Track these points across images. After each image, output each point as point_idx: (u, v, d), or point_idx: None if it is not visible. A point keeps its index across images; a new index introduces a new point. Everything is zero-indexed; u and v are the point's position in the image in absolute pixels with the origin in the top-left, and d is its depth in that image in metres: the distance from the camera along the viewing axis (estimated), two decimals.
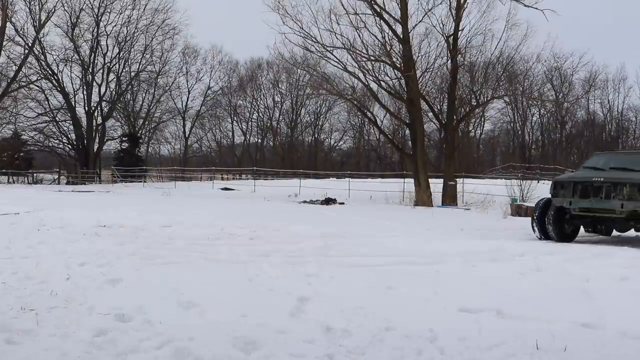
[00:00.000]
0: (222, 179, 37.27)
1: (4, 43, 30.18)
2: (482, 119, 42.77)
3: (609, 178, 8.68)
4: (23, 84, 33.43)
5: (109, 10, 34.50)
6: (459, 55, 18.05)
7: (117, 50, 36.18)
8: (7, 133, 37.14)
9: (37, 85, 34.46)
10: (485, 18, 18.06)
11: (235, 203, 16.02)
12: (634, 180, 8.31)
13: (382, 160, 49.78)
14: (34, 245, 6.15)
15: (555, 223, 9.00)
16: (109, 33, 35.07)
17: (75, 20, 33.69)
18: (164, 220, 9.03)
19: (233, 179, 38.26)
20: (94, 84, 35.94)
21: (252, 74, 48.84)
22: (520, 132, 46.84)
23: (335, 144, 53.30)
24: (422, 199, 16.88)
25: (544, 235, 9.12)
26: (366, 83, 18.64)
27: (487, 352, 3.19)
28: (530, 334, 3.43)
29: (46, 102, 35.72)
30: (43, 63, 33.71)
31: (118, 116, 40.62)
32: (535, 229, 9.32)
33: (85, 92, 35.81)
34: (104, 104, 37.42)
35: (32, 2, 31.90)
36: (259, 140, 51.87)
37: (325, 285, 4.67)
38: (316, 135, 50.72)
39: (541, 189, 17.60)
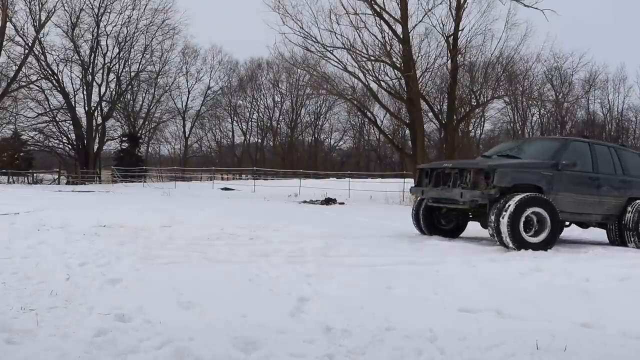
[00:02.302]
0: (222, 179, 37.30)
1: (4, 43, 30.17)
2: (482, 119, 42.82)
3: (457, 164, 8.02)
4: (23, 84, 33.43)
5: (109, 11, 34.52)
6: (459, 55, 18.07)
7: (117, 50, 36.21)
8: (7, 133, 37.17)
9: (37, 85, 34.47)
10: (485, 18, 18.13)
11: (235, 203, 16.03)
12: (479, 166, 7.52)
13: (382, 160, 49.78)
14: (34, 245, 6.14)
15: (424, 215, 8.38)
16: (109, 33, 35.10)
17: (75, 20, 33.69)
18: (164, 220, 9.03)
19: (233, 179, 38.27)
20: (94, 84, 35.96)
21: (252, 74, 48.92)
22: (520, 132, 46.86)
23: (335, 144, 53.35)
24: None
25: (420, 230, 8.54)
26: (366, 83, 18.67)
27: (487, 352, 3.19)
28: (530, 334, 3.43)
29: (46, 102, 35.75)
30: (43, 63, 33.72)
31: (118, 116, 40.65)
32: (414, 222, 8.62)
33: (85, 92, 35.81)
34: (104, 104, 37.43)
35: (32, 2, 31.91)
36: (259, 140, 51.92)
37: (325, 285, 4.67)
38: (316, 135, 50.77)
39: None
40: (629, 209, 8.26)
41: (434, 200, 8.12)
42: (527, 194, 7.10)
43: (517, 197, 6.97)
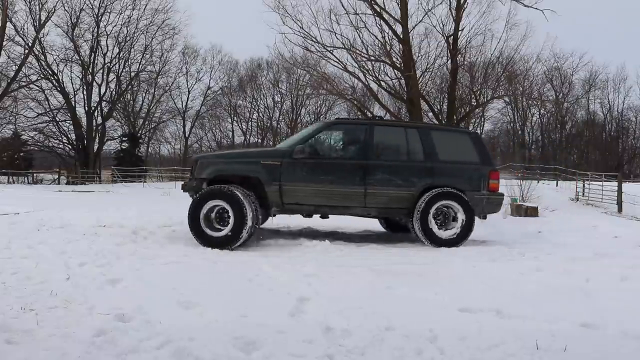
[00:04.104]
0: None
1: (4, 43, 30.17)
2: (482, 119, 42.78)
3: (210, 154, 7.71)
4: (23, 84, 33.43)
5: (109, 11, 34.51)
6: (459, 55, 18.06)
7: (117, 50, 36.19)
8: (7, 133, 37.16)
9: (37, 85, 34.47)
10: (485, 18, 18.15)
11: None
12: (194, 157, 7.41)
13: None
14: (34, 245, 6.14)
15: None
16: (109, 33, 35.08)
17: (75, 20, 33.69)
18: (164, 220, 9.03)
19: None
20: (94, 84, 35.95)
21: (252, 74, 48.87)
22: (520, 132, 46.89)
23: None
24: None
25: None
26: (366, 83, 18.66)
27: (487, 352, 3.19)
28: (530, 334, 3.43)
29: (46, 102, 35.73)
30: (43, 63, 33.72)
31: (118, 116, 40.62)
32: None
33: (85, 92, 35.81)
34: (104, 104, 37.42)
35: (32, 2, 31.91)
36: (259, 140, 51.86)
37: (325, 285, 4.67)
38: None
39: (541, 189, 17.61)
40: (420, 201, 7.11)
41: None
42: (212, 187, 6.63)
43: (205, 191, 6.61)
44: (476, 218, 7.38)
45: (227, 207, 6.53)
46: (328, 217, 7.76)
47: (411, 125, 7.79)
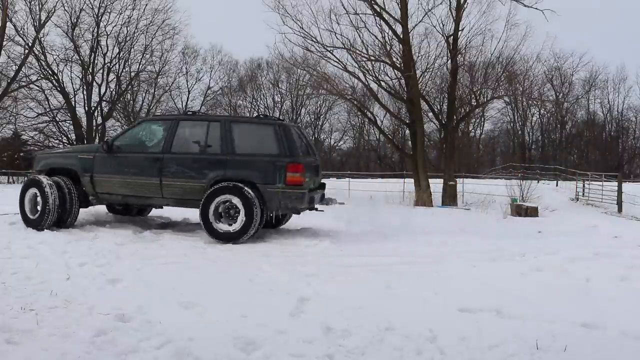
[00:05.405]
0: None
1: (4, 43, 30.15)
2: (482, 119, 42.81)
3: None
4: (23, 84, 33.37)
5: (109, 11, 34.45)
6: (459, 55, 18.03)
7: (117, 50, 36.12)
8: (7, 133, 37.12)
9: (37, 85, 34.41)
10: (485, 18, 18.05)
11: None
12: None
13: (382, 160, 49.75)
14: (34, 245, 6.14)
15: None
16: (109, 33, 35.01)
17: (75, 20, 33.65)
18: (163, 220, 9.04)
19: None
20: (94, 84, 35.91)
21: (252, 74, 48.88)
22: (520, 132, 46.84)
23: (335, 144, 53.31)
24: (422, 199, 16.87)
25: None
26: (366, 83, 18.62)
27: (487, 352, 3.19)
28: (530, 334, 3.43)
29: (46, 102, 35.69)
30: (43, 63, 33.67)
31: (118, 116, 40.55)
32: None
33: (85, 92, 35.76)
34: (104, 104, 37.39)
35: (32, 2, 31.86)
36: None
37: (325, 285, 4.67)
38: (316, 135, 50.72)
39: (541, 189, 17.62)
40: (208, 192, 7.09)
41: None
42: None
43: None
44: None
45: (38, 193, 7.57)
46: (152, 210, 8.85)
47: (215, 119, 7.87)
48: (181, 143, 7.52)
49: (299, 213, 7.78)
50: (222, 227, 7.01)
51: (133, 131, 8.08)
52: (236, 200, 6.98)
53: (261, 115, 8.65)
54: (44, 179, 7.52)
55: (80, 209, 7.87)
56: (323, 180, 8.90)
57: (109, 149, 7.68)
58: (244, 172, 7.17)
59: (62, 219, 7.54)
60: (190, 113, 8.45)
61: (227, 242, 6.86)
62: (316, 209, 7.97)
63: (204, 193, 7.10)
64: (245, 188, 6.97)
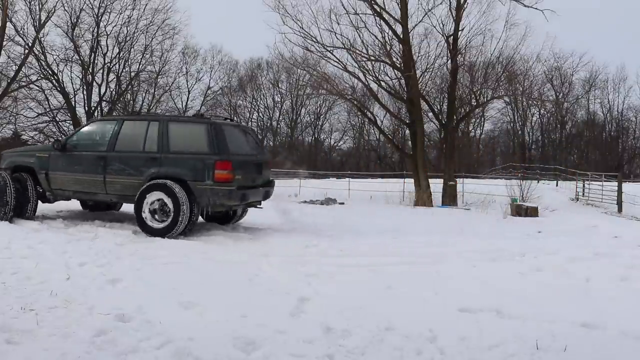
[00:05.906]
0: None
1: (4, 43, 30.14)
2: (482, 119, 42.79)
3: None
4: (23, 84, 33.36)
5: (109, 11, 34.43)
6: (459, 55, 18.03)
7: (117, 50, 36.10)
8: (7, 133, 37.13)
9: (37, 85, 34.39)
10: (485, 18, 18.03)
11: None
12: None
13: (382, 160, 49.74)
14: (34, 245, 6.14)
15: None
16: (109, 33, 34.98)
17: (75, 20, 33.63)
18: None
19: None
20: (94, 84, 35.91)
21: (252, 74, 48.90)
22: (520, 132, 46.82)
23: (335, 144, 53.30)
24: (422, 199, 16.87)
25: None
26: (366, 83, 18.61)
27: (487, 352, 3.19)
28: (530, 334, 3.43)
29: (46, 102, 35.68)
30: (43, 63, 33.64)
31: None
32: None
33: (85, 92, 35.76)
34: (104, 104, 37.38)
35: (32, 2, 31.86)
36: None
37: (325, 285, 4.67)
38: (316, 135, 50.74)
39: (541, 189, 17.61)
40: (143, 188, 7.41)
41: None
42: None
43: None
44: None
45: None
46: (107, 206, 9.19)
47: (154, 119, 8.09)
48: (124, 142, 7.87)
49: (230, 209, 8.14)
50: (153, 223, 7.34)
51: (84, 131, 8.46)
52: (165, 197, 7.28)
53: (198, 115, 8.95)
54: (6, 175, 8.05)
55: (82, 210, 8.34)
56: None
57: (62, 147, 8.13)
58: (175, 169, 7.46)
59: (22, 212, 8.12)
60: (136, 113, 8.83)
61: (157, 236, 7.16)
62: (255, 206, 8.34)
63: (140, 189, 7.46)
64: (175, 185, 7.26)
